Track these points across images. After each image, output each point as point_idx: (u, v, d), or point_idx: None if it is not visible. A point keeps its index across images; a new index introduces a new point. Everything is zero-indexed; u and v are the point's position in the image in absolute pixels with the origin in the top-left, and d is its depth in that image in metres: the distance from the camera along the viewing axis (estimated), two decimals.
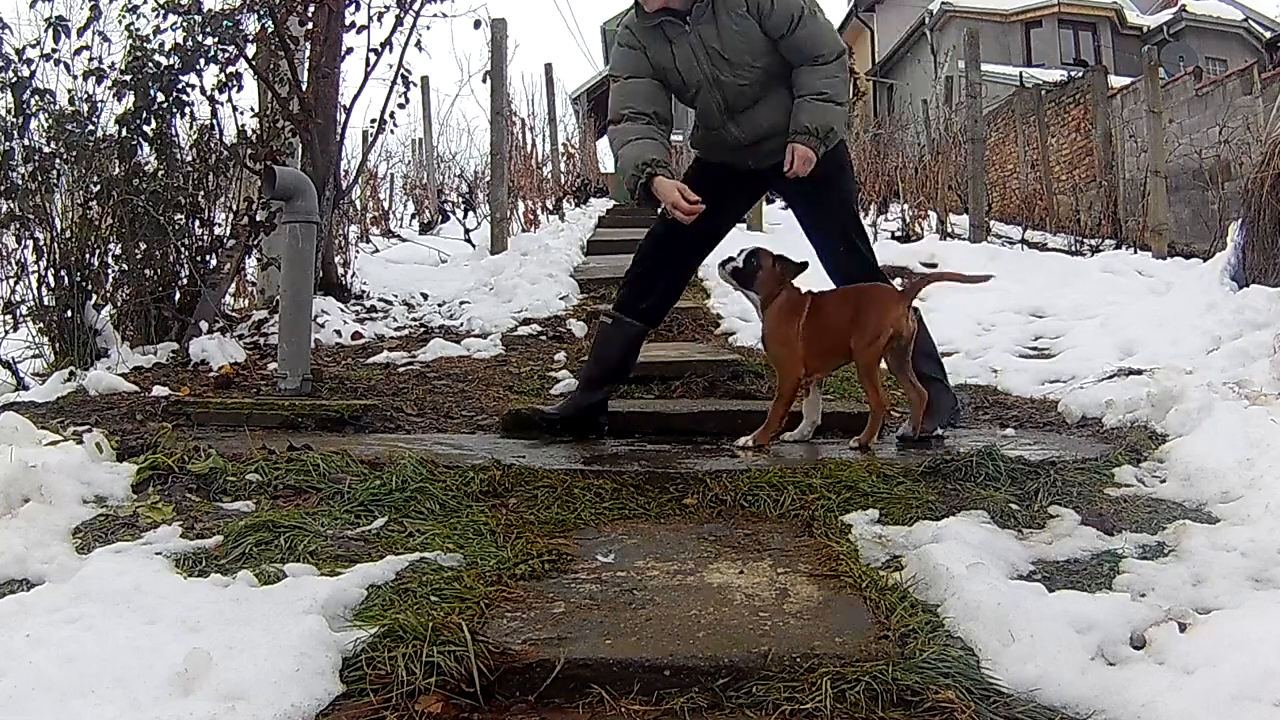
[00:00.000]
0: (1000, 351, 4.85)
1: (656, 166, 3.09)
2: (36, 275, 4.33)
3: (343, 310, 5.65)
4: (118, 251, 4.57)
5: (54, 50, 4.45)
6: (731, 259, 3.28)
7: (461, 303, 6.14)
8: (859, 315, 3.12)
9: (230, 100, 4.90)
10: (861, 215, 3.53)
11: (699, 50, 3.10)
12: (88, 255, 4.40)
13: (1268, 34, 19.91)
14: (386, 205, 10.77)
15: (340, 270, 6.14)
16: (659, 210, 3.23)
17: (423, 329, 5.57)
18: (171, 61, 4.66)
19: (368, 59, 5.58)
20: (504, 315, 5.70)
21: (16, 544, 2.13)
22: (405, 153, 11.66)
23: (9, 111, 4.38)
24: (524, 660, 1.67)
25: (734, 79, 3.12)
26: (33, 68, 4.41)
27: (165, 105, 4.68)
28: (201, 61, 4.74)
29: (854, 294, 3.21)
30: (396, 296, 6.34)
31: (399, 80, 5.83)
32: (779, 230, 8.30)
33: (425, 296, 6.47)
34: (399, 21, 5.66)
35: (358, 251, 7.06)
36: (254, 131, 5.02)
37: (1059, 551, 2.21)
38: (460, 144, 19.37)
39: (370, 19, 5.57)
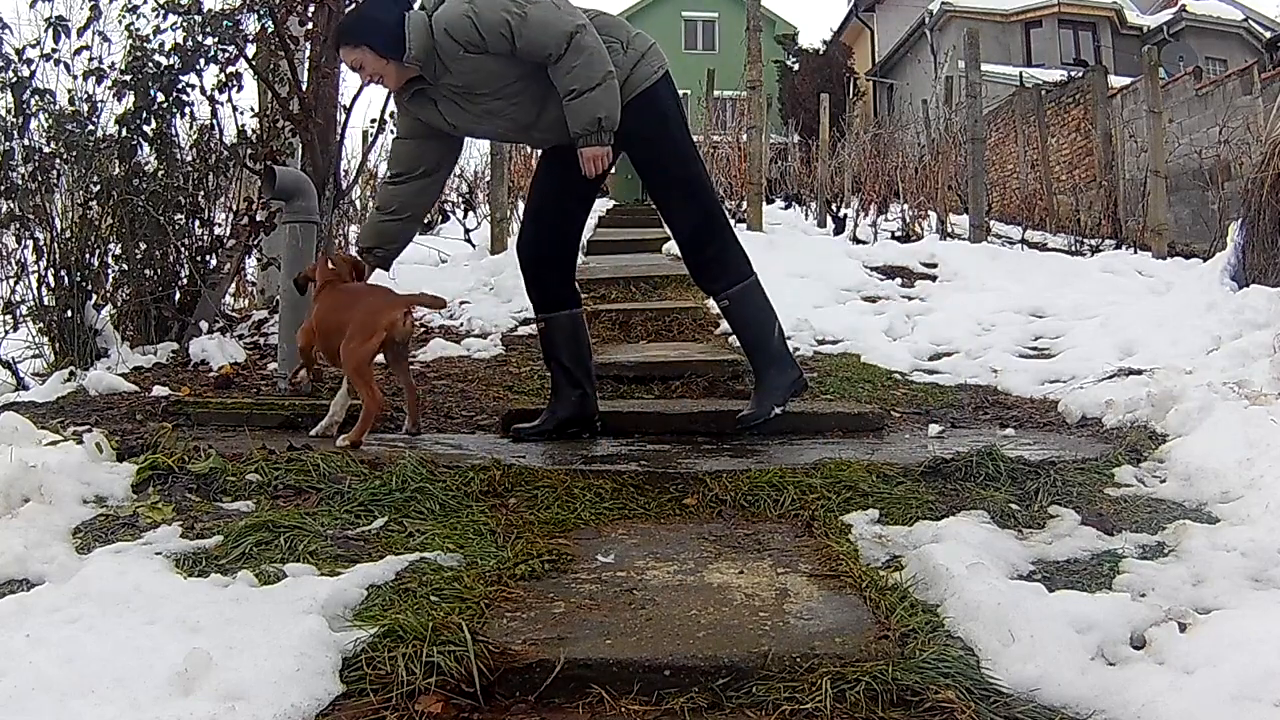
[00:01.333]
0: (1000, 351, 4.85)
1: (369, 255, 3.29)
2: (36, 275, 4.34)
3: None
4: (118, 251, 4.57)
5: (54, 50, 4.44)
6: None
7: (461, 303, 6.13)
8: (353, 317, 3.09)
9: (230, 100, 4.90)
10: (703, 172, 3.34)
11: (456, 98, 3.07)
12: (88, 255, 4.40)
13: (1268, 34, 19.91)
14: None
15: None
16: None
17: (423, 329, 5.56)
18: (171, 61, 4.65)
19: None
20: (504, 315, 5.69)
21: (16, 544, 2.13)
22: None
23: (9, 111, 4.37)
24: (524, 660, 1.67)
25: (504, 102, 3.07)
26: (33, 68, 4.41)
27: (165, 105, 4.67)
28: (201, 61, 4.74)
29: (353, 294, 3.20)
30: None
31: None
32: (779, 230, 8.30)
33: None
34: None
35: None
36: (254, 131, 5.02)
37: (1059, 551, 2.21)
38: None
39: None
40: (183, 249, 4.69)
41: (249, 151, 4.88)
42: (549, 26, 2.93)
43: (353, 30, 3.05)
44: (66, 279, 4.31)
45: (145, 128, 4.64)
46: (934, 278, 6.58)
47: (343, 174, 6.17)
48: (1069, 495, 2.60)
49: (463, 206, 10.07)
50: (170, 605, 1.81)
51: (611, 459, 3.03)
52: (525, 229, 3.44)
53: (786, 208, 12.30)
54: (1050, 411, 3.78)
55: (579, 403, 3.41)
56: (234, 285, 5.40)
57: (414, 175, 3.22)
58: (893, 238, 8.90)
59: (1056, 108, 13.95)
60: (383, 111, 5.89)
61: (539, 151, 3.50)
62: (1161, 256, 7.77)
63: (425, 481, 2.59)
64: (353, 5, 3.07)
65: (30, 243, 4.34)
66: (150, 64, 4.59)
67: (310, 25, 5.35)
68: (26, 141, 4.41)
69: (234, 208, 5.23)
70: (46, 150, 4.45)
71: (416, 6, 3.01)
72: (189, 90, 4.77)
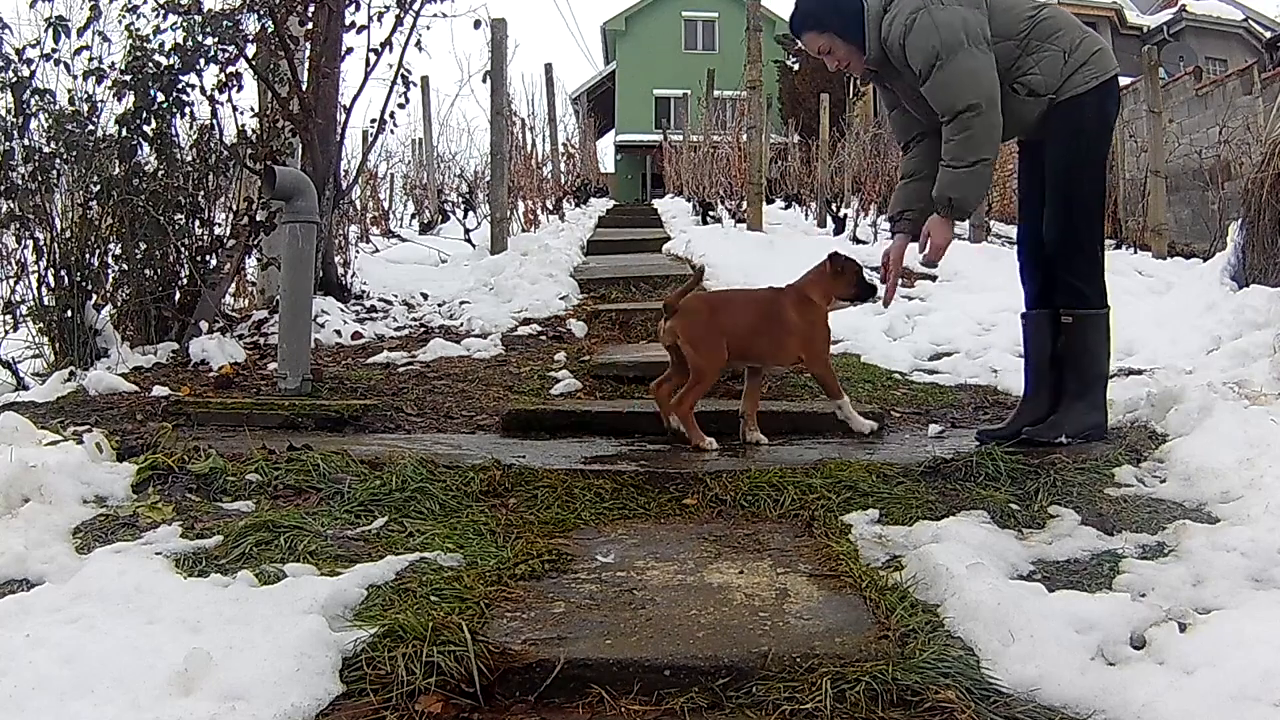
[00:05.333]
0: (1000, 351, 4.85)
1: (900, 220, 3.25)
2: (36, 275, 4.34)
3: (343, 310, 5.65)
4: (118, 251, 4.57)
5: (54, 50, 4.45)
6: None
7: (461, 303, 6.14)
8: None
9: (230, 100, 4.90)
10: (1100, 194, 3.17)
11: (906, 97, 3.10)
12: (88, 255, 4.40)
13: (1268, 34, 19.92)
14: (386, 205, 10.77)
15: (340, 270, 6.14)
16: None
17: (423, 329, 5.57)
18: (171, 61, 4.66)
19: (368, 59, 5.58)
20: (504, 315, 5.70)
21: (16, 544, 2.13)
22: (405, 153, 11.66)
23: (9, 111, 4.38)
24: (524, 660, 1.67)
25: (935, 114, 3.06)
26: (33, 68, 4.41)
27: (165, 105, 4.68)
28: (201, 61, 4.74)
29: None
30: (396, 296, 6.34)
31: (399, 80, 5.83)
32: (779, 230, 8.30)
33: (425, 296, 6.47)
34: (399, 21, 5.66)
35: (358, 251, 7.06)
36: (254, 131, 5.02)
37: (1059, 551, 2.21)
38: (460, 144, 19.40)
39: (370, 19, 5.57)
40: (183, 249, 4.69)
41: (249, 151, 4.88)
42: (949, 94, 2.90)
43: (818, 16, 3.03)
44: (66, 279, 4.31)
45: (145, 128, 4.64)
46: (934, 278, 6.58)
47: (343, 174, 6.18)
48: (1069, 495, 2.60)
49: (463, 206, 10.08)
50: (170, 605, 1.81)
51: (611, 459, 3.03)
52: (1019, 226, 3.36)
53: (786, 208, 12.29)
54: None
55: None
56: (234, 285, 5.39)
57: (914, 139, 3.19)
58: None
59: None
60: (383, 112, 5.90)
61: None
62: (1161, 256, 7.78)
63: (425, 481, 2.59)
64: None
65: (30, 243, 4.34)
66: (150, 64, 4.60)
67: (310, 25, 5.36)
68: (26, 141, 4.41)
69: (234, 208, 5.23)
70: (46, 150, 4.45)
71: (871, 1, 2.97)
72: (189, 90, 4.78)
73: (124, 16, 4.64)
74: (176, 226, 4.68)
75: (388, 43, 5.64)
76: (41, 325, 4.39)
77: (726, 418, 3.50)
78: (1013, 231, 9.82)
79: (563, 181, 13.17)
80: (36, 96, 4.43)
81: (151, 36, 4.66)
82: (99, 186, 4.49)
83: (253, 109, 5.35)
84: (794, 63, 24.30)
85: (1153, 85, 8.61)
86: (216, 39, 4.73)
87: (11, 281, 4.38)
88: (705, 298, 3.44)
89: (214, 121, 4.92)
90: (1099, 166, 3.13)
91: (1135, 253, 8.30)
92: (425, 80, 10.67)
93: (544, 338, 5.31)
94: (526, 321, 5.57)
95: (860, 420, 3.34)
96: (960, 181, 2.95)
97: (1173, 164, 9.83)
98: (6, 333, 4.37)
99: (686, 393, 3.20)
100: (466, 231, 9.04)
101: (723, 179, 10.48)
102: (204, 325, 4.62)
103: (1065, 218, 3.08)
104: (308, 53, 5.49)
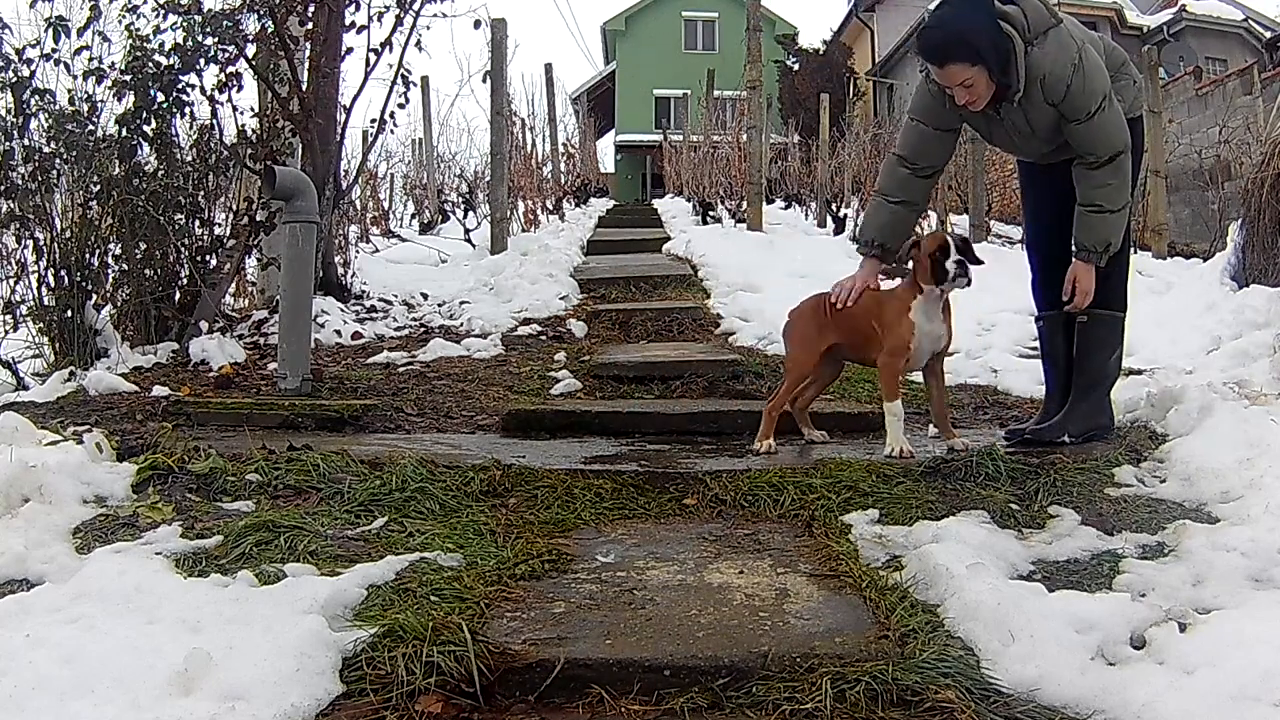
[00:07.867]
0: (1000, 351, 4.86)
1: (874, 249, 3.16)
2: (36, 275, 4.34)
3: (343, 310, 5.65)
4: (118, 251, 4.57)
5: (54, 50, 4.45)
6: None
7: (461, 303, 6.14)
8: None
9: (230, 100, 4.90)
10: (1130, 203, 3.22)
11: (1008, 130, 3.06)
12: (88, 255, 4.40)
13: (1268, 34, 19.91)
14: (386, 205, 10.77)
15: (340, 270, 6.14)
16: None
17: (423, 329, 5.57)
18: (171, 61, 4.66)
19: (368, 59, 5.58)
20: (504, 315, 5.70)
21: (16, 544, 2.14)
22: (405, 153, 11.67)
23: (9, 111, 4.38)
24: (524, 660, 1.67)
25: (1039, 144, 3.08)
26: (33, 68, 4.41)
27: (165, 105, 4.68)
28: (201, 61, 4.74)
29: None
30: (396, 296, 6.34)
31: (399, 80, 5.83)
32: (779, 230, 8.30)
33: (425, 296, 6.47)
34: (399, 21, 5.66)
35: (358, 251, 7.06)
36: (254, 131, 5.02)
37: (1059, 551, 2.22)
38: (460, 144, 19.42)
39: (370, 19, 5.57)
40: (183, 249, 4.69)
41: (249, 151, 4.88)
42: (1109, 137, 2.88)
43: (976, 48, 2.85)
44: (66, 279, 4.31)
45: (145, 128, 4.64)
46: None
47: (343, 174, 6.18)
48: (1069, 495, 2.60)
49: (463, 206, 10.08)
50: (170, 605, 1.81)
51: (611, 459, 3.03)
52: (1029, 229, 3.43)
53: (786, 208, 12.28)
54: None
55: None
56: (234, 285, 5.39)
57: (922, 169, 3.14)
58: None
59: None
60: (383, 112, 5.90)
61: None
62: (1161, 256, 7.79)
63: (425, 481, 2.59)
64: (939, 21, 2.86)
65: (30, 243, 4.34)
66: (150, 64, 4.60)
67: (310, 25, 5.36)
68: (26, 141, 4.41)
69: (234, 208, 5.23)
70: (46, 150, 4.45)
71: (1017, 36, 2.86)
72: (189, 90, 4.77)
73: (124, 16, 4.64)
74: (176, 226, 4.68)
75: (388, 43, 5.65)
76: (41, 325, 4.39)
77: (725, 417, 3.50)
78: (1012, 231, 9.86)
79: (563, 181, 13.18)
80: (36, 96, 4.43)
81: (151, 36, 4.66)
82: (99, 186, 4.49)
83: (253, 109, 5.35)
84: (794, 63, 24.31)
85: (1153, 85, 8.59)
86: (216, 39, 4.73)
87: (11, 281, 4.38)
88: (817, 299, 3.32)
89: (214, 121, 4.92)
90: (1134, 179, 3.18)
91: (1135, 253, 8.26)
92: (425, 80, 10.67)
93: (544, 338, 5.31)
94: (526, 321, 5.57)
95: (899, 435, 2.99)
96: (1117, 226, 2.93)
97: (1173, 164, 9.82)
98: (6, 333, 4.37)
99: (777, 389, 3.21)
100: (466, 231, 9.04)
101: (723, 179, 10.48)
102: (204, 325, 4.62)
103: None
104: (308, 53, 5.48)
